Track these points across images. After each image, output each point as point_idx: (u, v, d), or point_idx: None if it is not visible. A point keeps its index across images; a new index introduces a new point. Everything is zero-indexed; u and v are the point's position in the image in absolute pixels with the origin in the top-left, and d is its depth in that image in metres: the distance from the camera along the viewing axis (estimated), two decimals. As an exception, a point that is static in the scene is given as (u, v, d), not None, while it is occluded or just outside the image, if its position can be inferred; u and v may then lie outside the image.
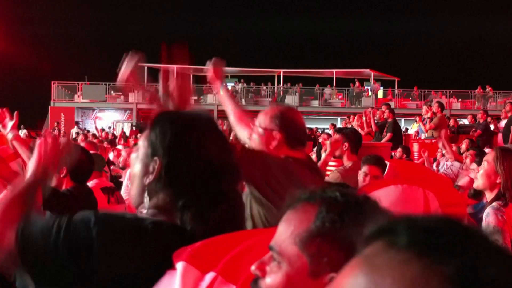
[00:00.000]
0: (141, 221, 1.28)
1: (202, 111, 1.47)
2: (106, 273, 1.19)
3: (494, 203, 2.83)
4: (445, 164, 7.87)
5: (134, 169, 1.41)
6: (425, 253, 0.51)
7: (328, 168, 5.29)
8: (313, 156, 6.10)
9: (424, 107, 11.77)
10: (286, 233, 0.96)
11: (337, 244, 0.91)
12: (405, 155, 8.10)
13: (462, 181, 5.05)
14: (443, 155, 8.53)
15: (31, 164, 1.62)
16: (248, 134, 2.38)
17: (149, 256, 1.23)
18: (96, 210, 1.28)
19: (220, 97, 2.66)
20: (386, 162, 4.00)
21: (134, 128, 20.01)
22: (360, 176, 3.92)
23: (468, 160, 6.53)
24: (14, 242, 1.24)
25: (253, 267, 0.99)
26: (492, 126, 12.00)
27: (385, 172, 4.06)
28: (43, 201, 2.89)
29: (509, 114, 10.42)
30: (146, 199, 1.36)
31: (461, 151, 8.03)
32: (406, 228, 0.55)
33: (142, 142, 1.40)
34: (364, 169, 3.92)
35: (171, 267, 1.18)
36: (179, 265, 1.15)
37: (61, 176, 3.13)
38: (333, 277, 0.89)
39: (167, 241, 1.26)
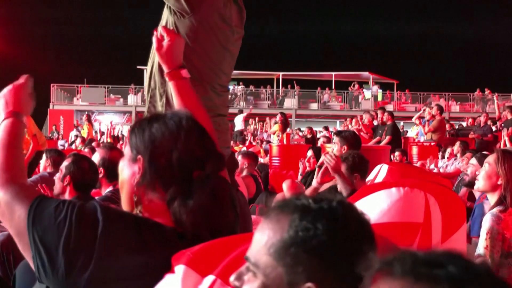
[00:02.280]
0: (143, 222, 1.30)
1: (180, 110, 1.49)
2: (103, 266, 1.21)
3: (494, 209, 2.83)
4: (444, 165, 7.89)
5: (123, 176, 1.41)
6: (419, 280, 0.64)
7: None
8: (309, 153, 6.08)
9: (427, 109, 11.75)
10: (260, 243, 0.94)
11: (312, 252, 0.89)
12: (405, 158, 8.11)
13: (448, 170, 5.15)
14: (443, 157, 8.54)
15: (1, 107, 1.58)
16: None
17: (151, 254, 1.25)
18: (100, 203, 1.30)
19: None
20: (385, 164, 3.99)
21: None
22: None
23: (464, 163, 6.54)
24: (25, 216, 1.27)
25: (231, 278, 0.98)
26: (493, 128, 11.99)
27: (385, 175, 4.05)
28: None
29: (509, 117, 10.41)
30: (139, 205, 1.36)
31: (455, 153, 8.05)
32: (401, 261, 0.68)
33: (126, 150, 1.42)
34: None
35: (168, 270, 1.18)
36: (179, 268, 1.15)
37: (64, 184, 3.11)
38: (310, 286, 0.88)
39: (166, 244, 1.26)
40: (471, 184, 3.63)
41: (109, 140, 11.89)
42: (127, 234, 1.25)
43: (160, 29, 1.89)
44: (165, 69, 1.87)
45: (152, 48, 2.82)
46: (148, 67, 2.82)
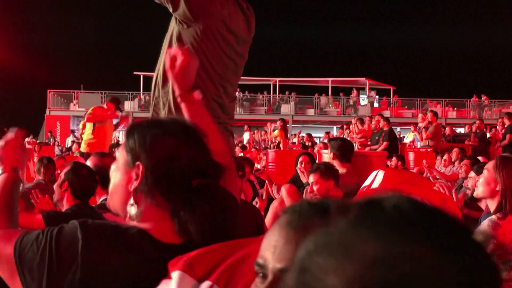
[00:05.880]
0: (126, 230, 1.28)
1: (177, 117, 1.46)
2: (91, 284, 1.20)
3: (493, 216, 2.84)
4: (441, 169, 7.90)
5: (115, 180, 1.40)
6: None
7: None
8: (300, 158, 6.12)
9: (420, 115, 11.78)
10: None
11: None
12: (400, 162, 8.12)
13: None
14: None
15: None
16: None
17: (135, 266, 1.24)
18: (83, 220, 1.28)
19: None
20: (382, 170, 4.00)
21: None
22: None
23: (463, 169, 6.55)
24: (12, 251, 1.27)
25: None
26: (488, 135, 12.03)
27: (381, 181, 4.07)
28: (46, 224, 2.90)
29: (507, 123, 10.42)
30: (131, 208, 1.34)
31: (453, 160, 8.06)
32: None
33: (119, 153, 1.40)
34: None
35: (161, 276, 1.18)
36: (175, 274, 1.14)
37: (62, 190, 3.11)
38: None
39: (151, 250, 1.26)
40: (474, 198, 3.53)
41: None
42: (108, 248, 1.24)
43: (174, 48, 1.79)
44: (176, 91, 1.79)
45: (160, 56, 2.83)
46: (154, 76, 2.83)
